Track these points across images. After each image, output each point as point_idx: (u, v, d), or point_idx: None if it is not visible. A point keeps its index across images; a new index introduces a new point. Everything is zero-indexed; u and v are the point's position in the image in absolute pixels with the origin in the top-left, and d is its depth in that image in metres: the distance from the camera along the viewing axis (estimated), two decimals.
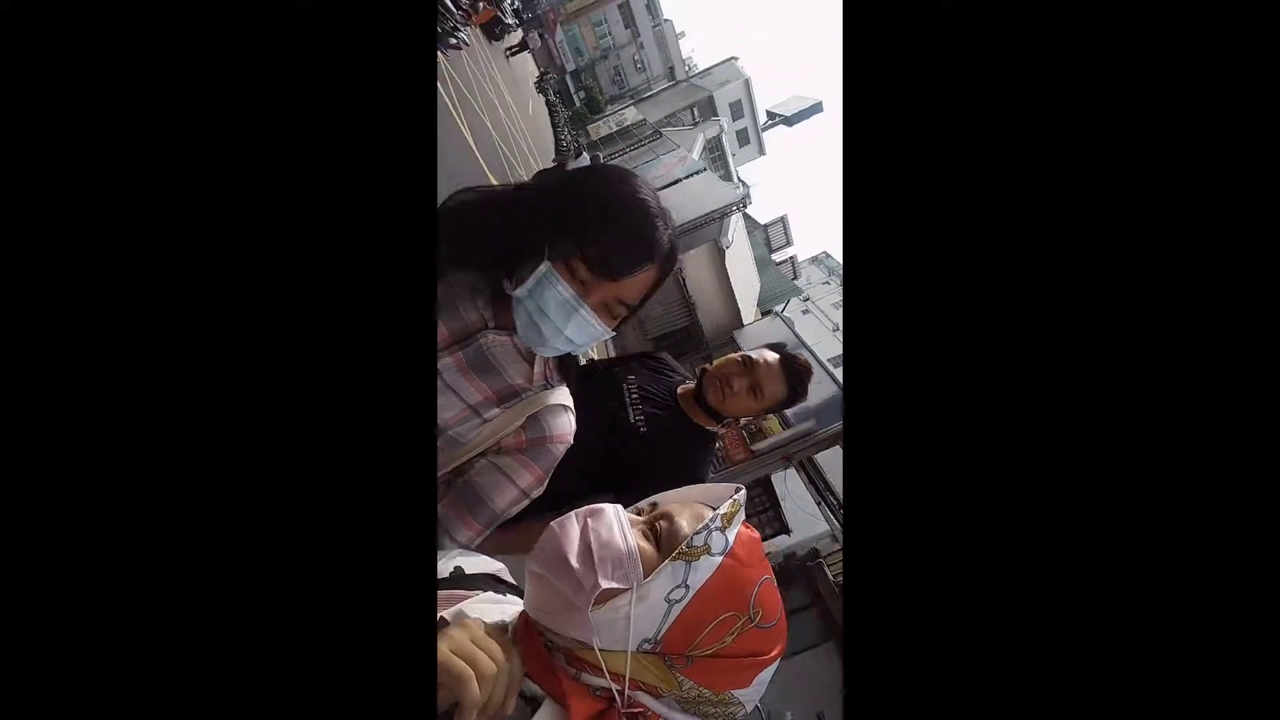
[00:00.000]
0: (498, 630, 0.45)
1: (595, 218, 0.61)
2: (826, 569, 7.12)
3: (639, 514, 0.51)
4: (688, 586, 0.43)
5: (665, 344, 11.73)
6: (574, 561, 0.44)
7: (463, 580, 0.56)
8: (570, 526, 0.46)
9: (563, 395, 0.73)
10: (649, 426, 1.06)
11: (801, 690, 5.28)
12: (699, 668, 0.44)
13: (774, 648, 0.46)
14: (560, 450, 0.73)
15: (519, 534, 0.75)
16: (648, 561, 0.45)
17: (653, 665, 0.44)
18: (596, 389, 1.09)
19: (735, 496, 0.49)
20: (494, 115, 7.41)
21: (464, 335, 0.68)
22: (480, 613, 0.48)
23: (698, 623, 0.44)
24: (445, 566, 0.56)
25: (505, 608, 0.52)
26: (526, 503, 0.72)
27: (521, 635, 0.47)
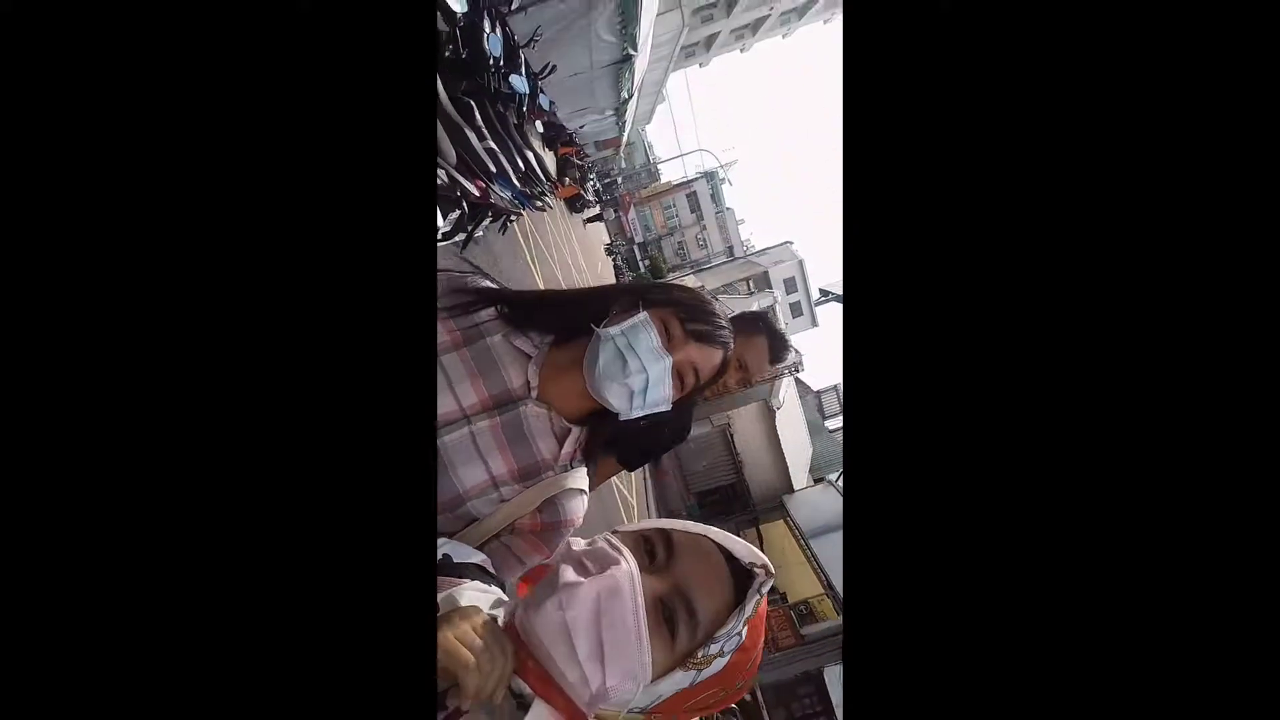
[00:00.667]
0: (492, 623, 0.45)
1: (685, 298, 0.70)
2: None
3: (654, 555, 0.47)
4: (690, 683, 0.45)
5: (711, 499, 11.14)
6: (582, 656, 0.42)
7: (449, 568, 0.56)
8: (582, 610, 0.42)
9: (581, 479, 0.73)
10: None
11: None
12: (680, 715, 0.47)
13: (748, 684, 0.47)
14: (569, 534, 0.71)
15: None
16: (660, 661, 0.44)
17: (636, 718, 0.46)
18: None
19: (761, 590, 0.47)
20: (566, 272, 8.17)
21: (504, 401, 0.68)
22: (468, 600, 0.49)
23: (687, 699, 0.46)
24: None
25: (490, 598, 0.53)
26: None
27: (511, 637, 0.45)
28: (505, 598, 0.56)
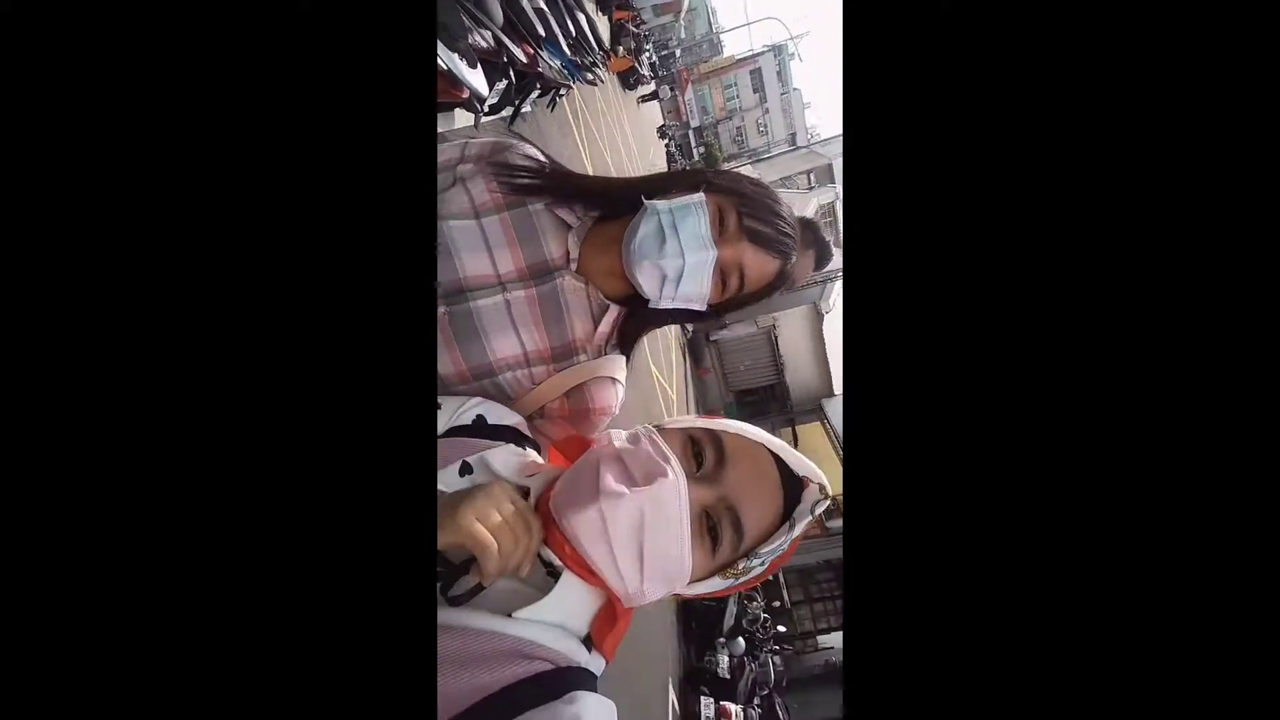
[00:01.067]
0: (520, 496, 0.43)
1: (751, 190, 0.61)
2: None
3: (702, 460, 0.44)
4: (725, 586, 0.45)
5: (748, 399, 11.34)
6: (621, 565, 0.41)
7: (485, 429, 0.54)
8: (625, 522, 0.41)
9: (615, 366, 0.67)
10: None
11: None
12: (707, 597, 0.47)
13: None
14: (603, 421, 0.67)
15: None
16: (698, 568, 0.43)
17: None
18: None
19: (814, 510, 0.45)
20: (616, 154, 7.75)
21: (542, 271, 0.63)
22: (501, 464, 0.48)
23: (720, 590, 0.46)
24: (469, 414, 0.54)
25: (523, 461, 0.51)
26: None
27: (543, 513, 0.44)
28: (540, 460, 0.53)
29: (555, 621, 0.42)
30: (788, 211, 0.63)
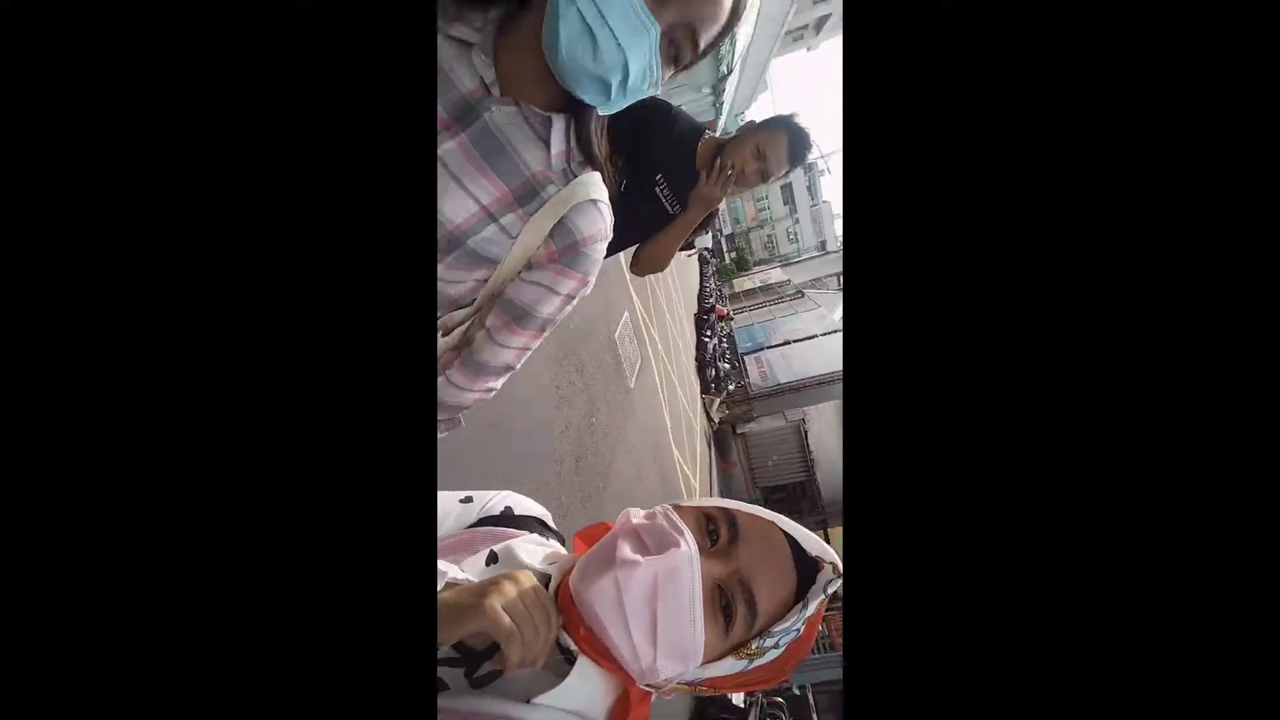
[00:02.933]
0: (541, 584, 0.45)
1: None
2: None
3: (716, 537, 0.45)
4: (740, 670, 0.45)
5: (776, 497, 10.87)
6: (634, 634, 0.42)
7: (509, 520, 0.56)
8: (639, 589, 0.42)
9: (591, 186, 0.58)
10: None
11: None
12: (724, 690, 0.48)
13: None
14: (599, 249, 0.60)
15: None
16: (711, 646, 0.43)
17: (684, 688, 0.46)
18: (631, 199, 0.99)
19: (827, 589, 0.44)
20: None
21: (463, 109, 0.54)
22: (526, 553, 0.50)
23: (737, 680, 0.45)
24: (497, 505, 0.57)
25: (548, 551, 0.53)
26: (575, 303, 0.64)
27: (563, 599, 0.45)
28: (563, 551, 0.55)
29: (572, 709, 0.42)
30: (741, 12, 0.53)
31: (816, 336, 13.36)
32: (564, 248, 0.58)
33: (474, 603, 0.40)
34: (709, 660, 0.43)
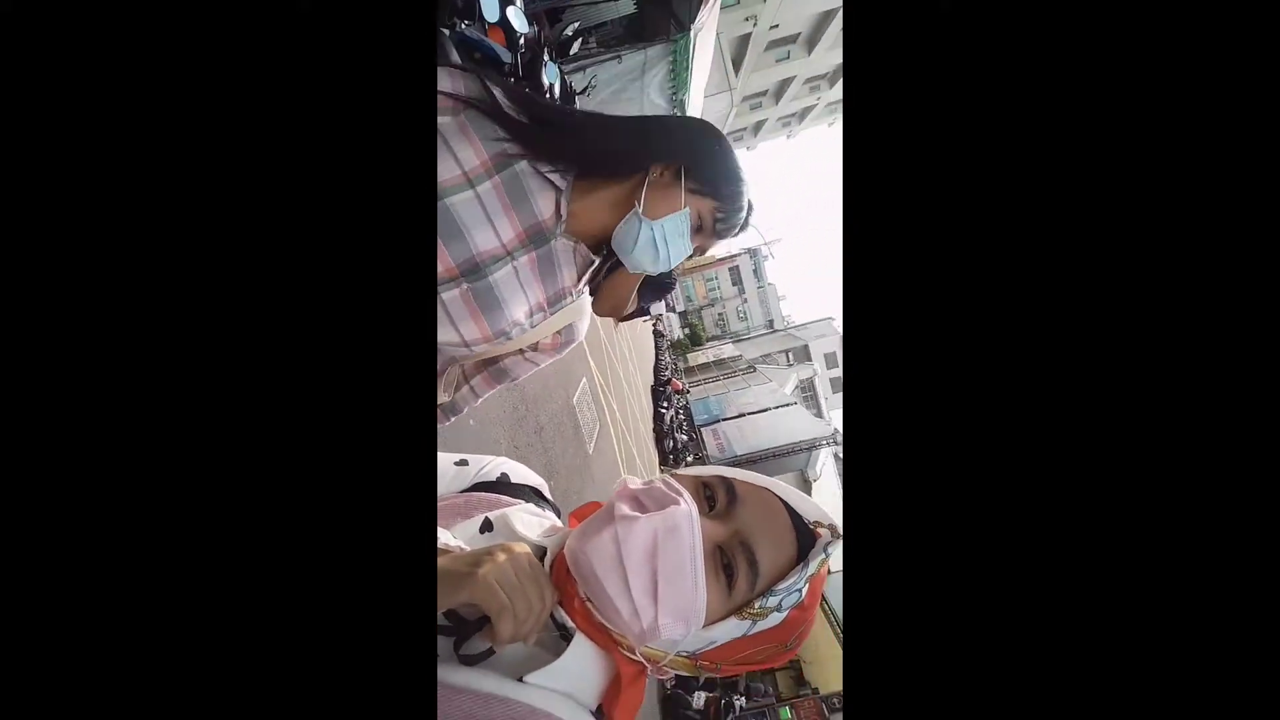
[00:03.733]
0: (536, 557, 0.43)
1: (728, 191, 0.70)
2: None
3: (714, 502, 0.44)
4: (744, 633, 0.43)
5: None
6: (634, 590, 0.40)
7: (506, 488, 0.55)
8: (638, 544, 0.40)
9: (588, 301, 0.78)
10: None
11: None
12: (725, 668, 0.46)
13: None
14: (575, 344, 0.80)
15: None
16: (714, 607, 0.42)
17: (683, 662, 0.45)
18: None
19: (826, 550, 0.43)
20: (605, 323, 8.34)
21: (538, 234, 0.68)
22: (522, 523, 0.49)
23: (738, 650, 0.44)
24: (493, 471, 0.56)
25: (544, 522, 0.52)
26: None
27: (559, 574, 0.44)
28: (559, 524, 0.53)
29: (565, 689, 0.41)
30: (748, 197, 0.74)
31: (770, 410, 13.62)
32: (565, 341, 0.79)
33: (467, 572, 0.38)
34: (712, 620, 0.42)
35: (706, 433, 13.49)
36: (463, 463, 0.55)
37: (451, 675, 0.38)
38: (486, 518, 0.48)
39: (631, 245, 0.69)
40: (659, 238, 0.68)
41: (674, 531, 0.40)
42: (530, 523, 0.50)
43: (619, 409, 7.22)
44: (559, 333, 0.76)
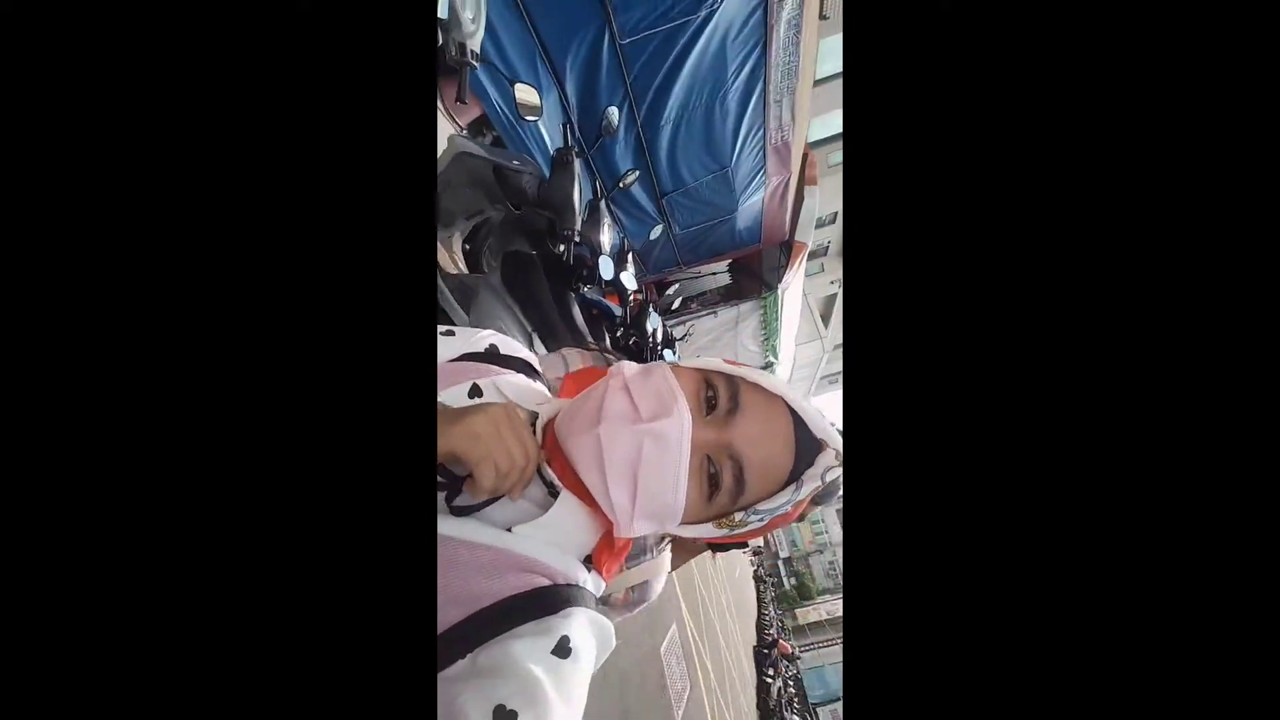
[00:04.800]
0: (527, 421, 0.43)
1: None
2: None
3: (715, 404, 0.42)
4: (719, 536, 0.43)
5: None
6: (613, 493, 0.40)
7: (496, 358, 0.53)
8: (623, 452, 0.40)
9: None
10: None
11: None
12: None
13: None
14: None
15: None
16: (691, 510, 0.41)
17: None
18: None
19: (824, 477, 0.42)
20: (699, 561, 7.75)
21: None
22: (512, 389, 0.48)
23: (716, 541, 0.45)
24: (481, 343, 0.54)
25: (535, 391, 0.50)
26: None
27: (549, 439, 0.44)
28: (550, 395, 0.52)
29: (553, 541, 0.41)
30: None
31: None
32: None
33: (448, 426, 0.38)
34: (688, 522, 0.42)
35: (824, 714, 10.84)
36: (449, 333, 0.54)
37: (443, 526, 0.38)
38: (475, 383, 0.47)
39: None
40: None
41: (661, 444, 0.39)
42: (521, 391, 0.48)
43: (713, 670, 6.17)
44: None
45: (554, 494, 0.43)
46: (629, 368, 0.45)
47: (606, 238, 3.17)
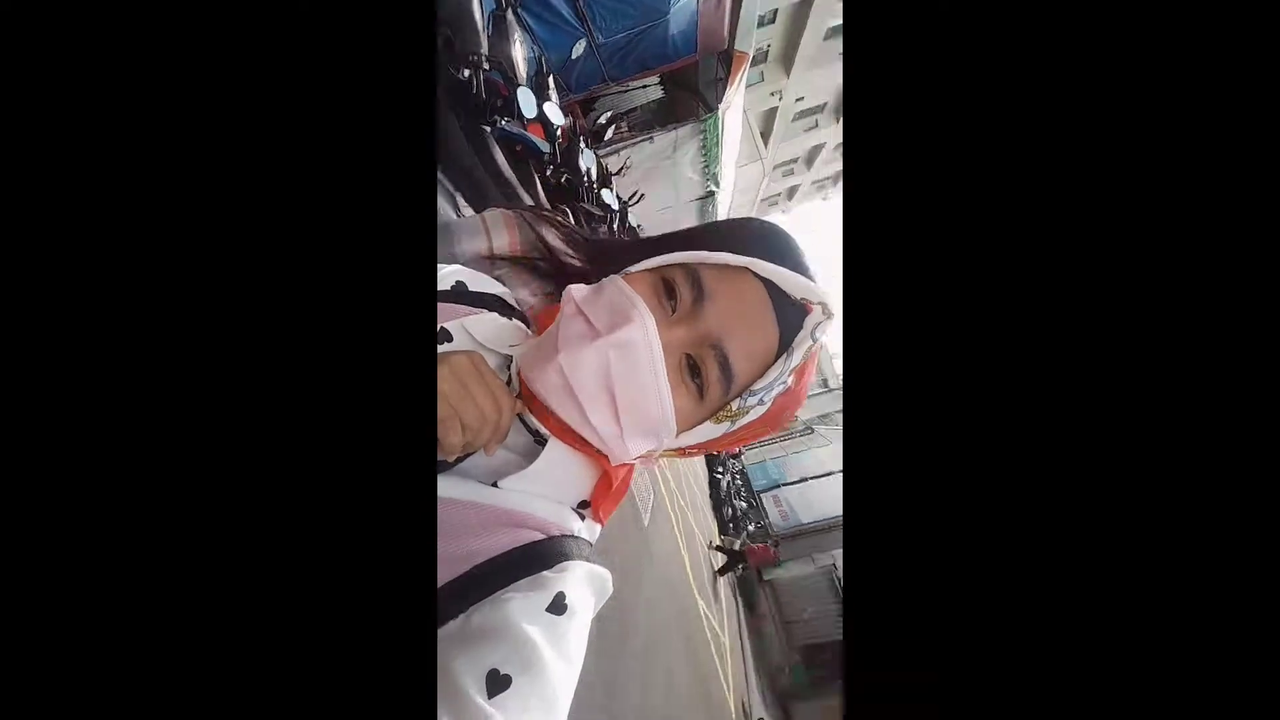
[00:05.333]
0: (490, 367, 0.38)
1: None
2: None
3: (676, 299, 0.39)
4: (724, 432, 0.41)
5: (822, 658, 9.56)
6: (595, 421, 0.37)
7: (466, 296, 0.49)
8: (589, 374, 0.37)
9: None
10: None
11: None
12: (718, 448, 0.44)
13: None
14: None
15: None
16: (684, 415, 0.39)
17: (669, 454, 0.44)
18: None
19: (815, 334, 0.39)
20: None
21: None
22: (482, 332, 0.45)
23: (723, 443, 0.43)
24: (446, 279, 0.50)
25: (510, 330, 0.47)
26: None
27: (525, 388, 0.40)
28: (527, 331, 0.49)
29: (543, 492, 0.39)
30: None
31: (835, 474, 12.91)
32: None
33: None
34: (685, 429, 0.40)
35: (767, 499, 12.85)
36: None
37: None
38: (444, 327, 0.44)
39: None
40: None
41: (628, 351, 0.37)
42: (494, 331, 0.45)
43: (672, 477, 7.02)
44: None
45: (540, 442, 0.40)
46: (578, 291, 0.41)
47: (520, 55, 2.71)
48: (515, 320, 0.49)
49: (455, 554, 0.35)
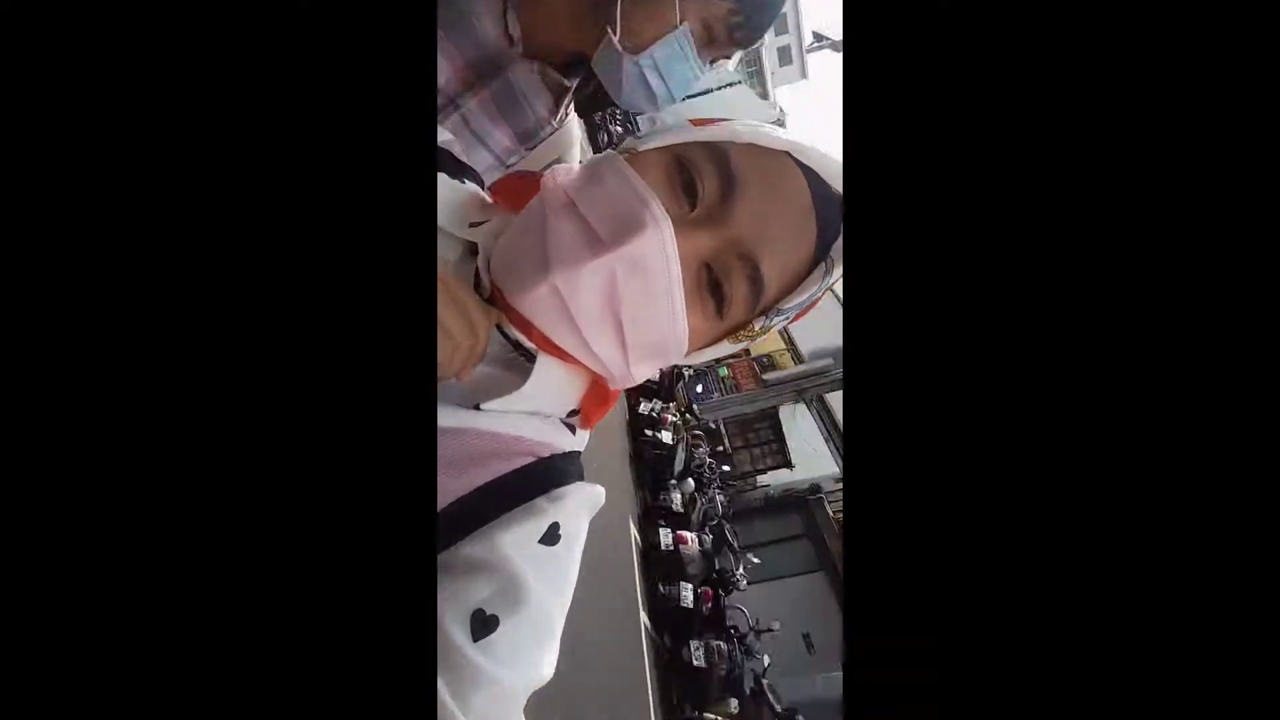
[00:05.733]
0: (461, 267, 0.34)
1: None
2: (827, 505, 7.45)
3: (695, 193, 0.31)
4: (734, 350, 0.37)
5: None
6: (595, 347, 0.31)
7: (451, 164, 0.40)
8: (592, 296, 0.30)
9: (576, 128, 0.65)
10: None
11: (791, 611, 6.00)
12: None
13: None
14: None
15: None
16: (698, 335, 0.33)
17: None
18: None
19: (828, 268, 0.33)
20: None
21: (486, 64, 0.54)
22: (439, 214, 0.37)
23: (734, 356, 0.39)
24: None
25: (465, 206, 0.36)
26: None
27: (500, 296, 0.33)
28: (487, 198, 0.39)
29: (533, 410, 0.34)
30: None
31: (713, 91, 11.78)
32: None
33: None
34: (696, 348, 0.34)
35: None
36: None
37: None
38: None
39: (618, 86, 0.53)
40: (650, 72, 0.51)
41: (640, 269, 0.29)
42: (446, 204, 0.35)
43: None
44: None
45: (524, 355, 0.34)
46: (563, 173, 0.33)
47: None
48: (468, 183, 0.39)
49: (443, 487, 0.30)
